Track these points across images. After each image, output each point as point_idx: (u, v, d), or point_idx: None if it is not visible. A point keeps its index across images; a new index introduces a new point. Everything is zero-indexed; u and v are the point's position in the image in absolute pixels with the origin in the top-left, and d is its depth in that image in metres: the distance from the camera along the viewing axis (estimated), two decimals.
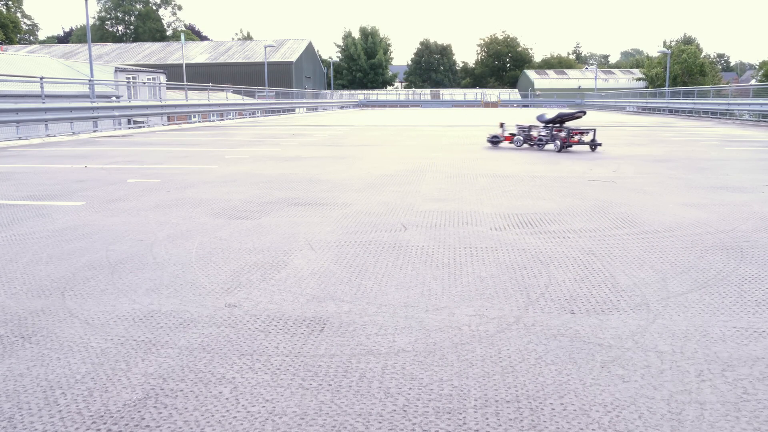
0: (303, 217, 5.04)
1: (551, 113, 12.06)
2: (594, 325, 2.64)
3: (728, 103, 26.39)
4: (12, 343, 2.49)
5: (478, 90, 72.79)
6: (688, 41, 67.22)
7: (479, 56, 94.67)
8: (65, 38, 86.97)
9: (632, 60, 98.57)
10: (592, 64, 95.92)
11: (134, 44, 71.08)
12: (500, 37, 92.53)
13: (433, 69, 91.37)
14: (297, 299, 3.01)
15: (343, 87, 78.44)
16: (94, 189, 6.73)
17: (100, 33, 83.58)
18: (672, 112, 33.39)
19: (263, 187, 6.84)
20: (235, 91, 36.87)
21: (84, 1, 21.53)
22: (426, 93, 71.30)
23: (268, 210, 5.39)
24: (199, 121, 25.10)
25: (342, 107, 54.51)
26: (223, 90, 33.27)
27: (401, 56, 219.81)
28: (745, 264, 3.59)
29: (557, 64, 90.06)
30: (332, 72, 74.05)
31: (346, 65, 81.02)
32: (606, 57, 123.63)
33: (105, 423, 1.88)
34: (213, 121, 26.32)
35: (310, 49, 69.13)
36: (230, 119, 28.67)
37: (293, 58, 62.99)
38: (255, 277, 3.36)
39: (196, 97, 29.53)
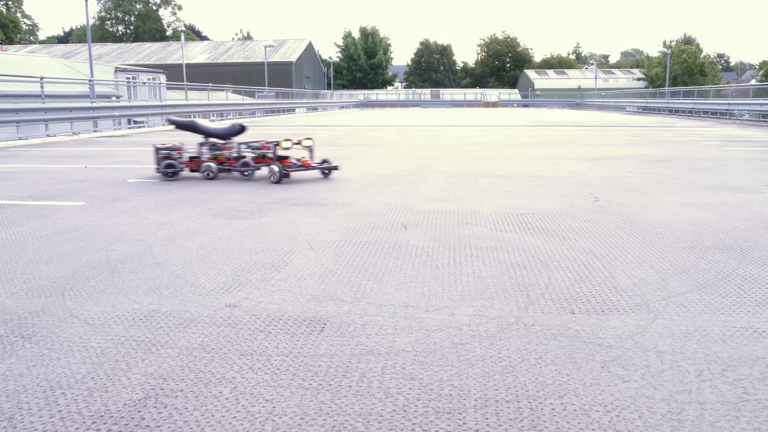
0: (303, 217, 5.04)
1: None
2: (594, 325, 2.64)
3: (728, 103, 26.39)
4: (12, 343, 2.49)
5: (478, 90, 72.80)
6: (688, 41, 67.21)
7: (479, 56, 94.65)
8: (65, 38, 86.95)
9: (632, 60, 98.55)
10: (592, 64, 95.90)
11: (134, 44, 71.06)
12: (500, 37, 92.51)
13: (433, 69, 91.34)
14: (297, 299, 3.01)
15: (343, 87, 78.39)
16: (94, 189, 6.73)
17: (100, 33, 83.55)
18: (672, 112, 33.38)
19: (263, 186, 6.84)
20: (235, 91, 36.87)
21: (84, 1, 21.52)
22: (426, 93, 71.26)
23: (268, 210, 5.39)
24: None
25: (342, 107, 54.49)
26: (223, 90, 33.28)
27: (401, 56, 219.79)
28: (745, 264, 3.59)
29: (557, 64, 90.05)
30: (332, 72, 73.99)
31: (346, 65, 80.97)
32: (606, 57, 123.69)
33: (105, 423, 1.88)
34: (213, 121, 26.32)
35: (310, 49, 69.12)
36: (230, 119, 28.66)
37: (293, 58, 62.98)
38: (255, 277, 3.36)
39: (196, 97, 29.52)
